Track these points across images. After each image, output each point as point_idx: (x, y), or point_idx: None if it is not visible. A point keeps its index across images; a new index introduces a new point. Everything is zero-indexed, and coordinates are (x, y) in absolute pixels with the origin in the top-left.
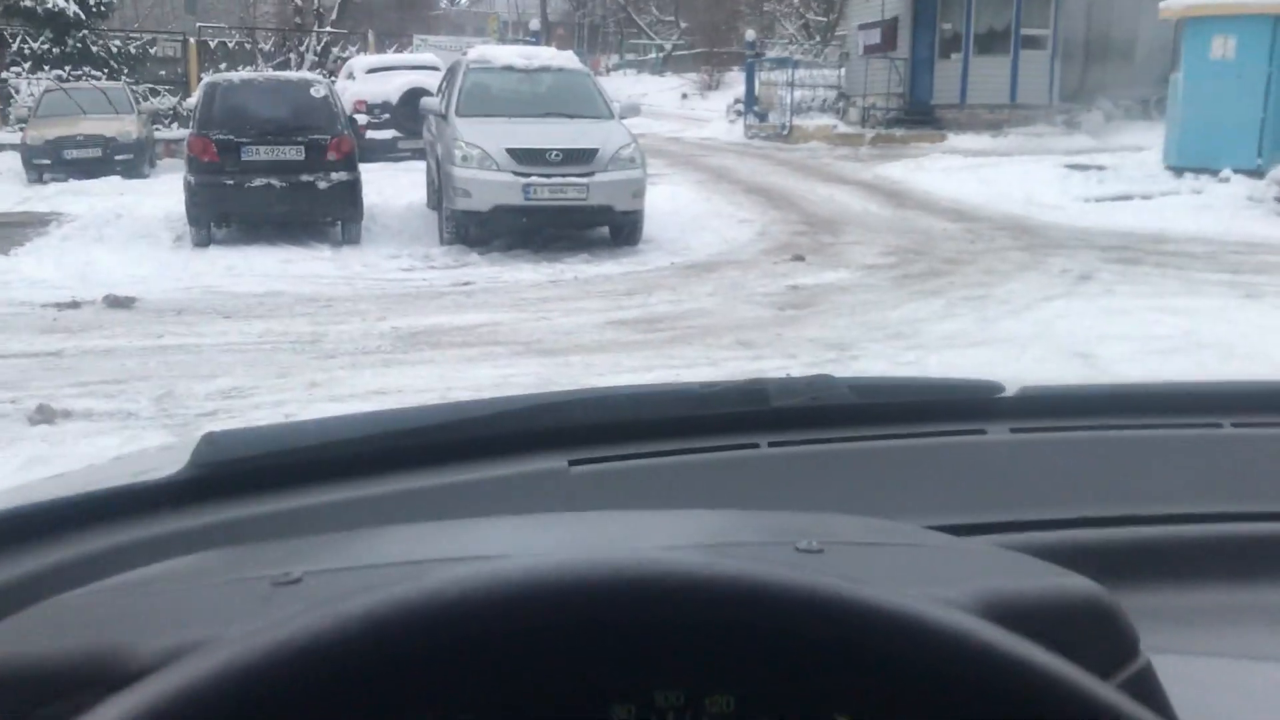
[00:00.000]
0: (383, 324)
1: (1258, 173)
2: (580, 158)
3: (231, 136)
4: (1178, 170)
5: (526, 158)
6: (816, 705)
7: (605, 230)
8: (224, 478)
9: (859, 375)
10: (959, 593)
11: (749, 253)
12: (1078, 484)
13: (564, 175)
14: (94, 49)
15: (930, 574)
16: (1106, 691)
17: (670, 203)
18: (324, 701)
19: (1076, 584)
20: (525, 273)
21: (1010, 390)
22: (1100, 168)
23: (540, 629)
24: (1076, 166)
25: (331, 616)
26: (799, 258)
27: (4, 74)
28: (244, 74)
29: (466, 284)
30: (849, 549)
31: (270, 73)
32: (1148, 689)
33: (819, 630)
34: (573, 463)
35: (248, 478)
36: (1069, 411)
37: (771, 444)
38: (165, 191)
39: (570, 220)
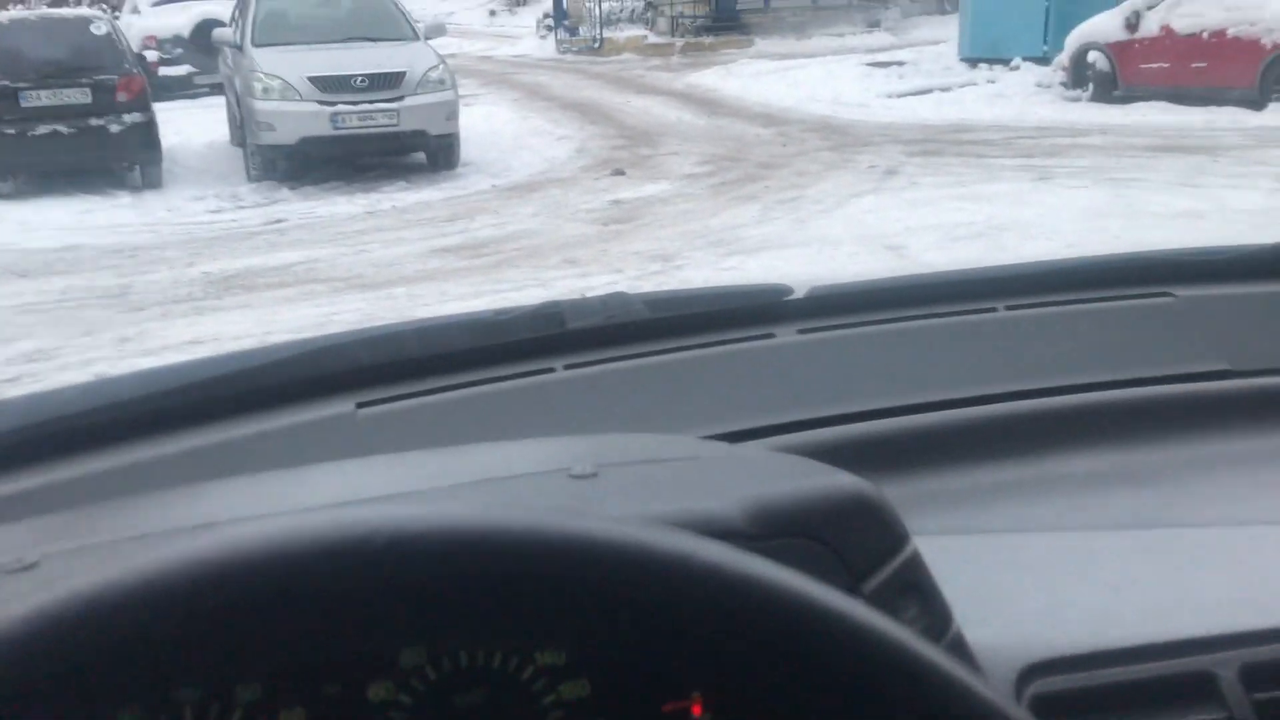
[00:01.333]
0: (192, 270)
1: (1045, 60)
2: (387, 82)
3: (7, 82)
4: (972, 61)
5: (331, 85)
6: (561, 643)
7: (422, 156)
8: None
9: (665, 288)
10: (727, 502)
11: (569, 170)
12: (862, 378)
13: (372, 101)
14: None
15: (700, 487)
16: (837, 599)
17: (486, 123)
18: (27, 694)
19: (842, 481)
20: (341, 205)
21: (799, 292)
22: (900, 64)
23: (243, 603)
24: (878, 64)
25: (8, 614)
26: (619, 172)
27: None
28: (14, 13)
29: (279, 221)
30: (622, 469)
31: (44, 10)
32: (915, 577)
33: (533, 568)
34: (360, 405)
35: (7, 452)
36: (854, 308)
37: (567, 366)
38: None
39: (383, 147)
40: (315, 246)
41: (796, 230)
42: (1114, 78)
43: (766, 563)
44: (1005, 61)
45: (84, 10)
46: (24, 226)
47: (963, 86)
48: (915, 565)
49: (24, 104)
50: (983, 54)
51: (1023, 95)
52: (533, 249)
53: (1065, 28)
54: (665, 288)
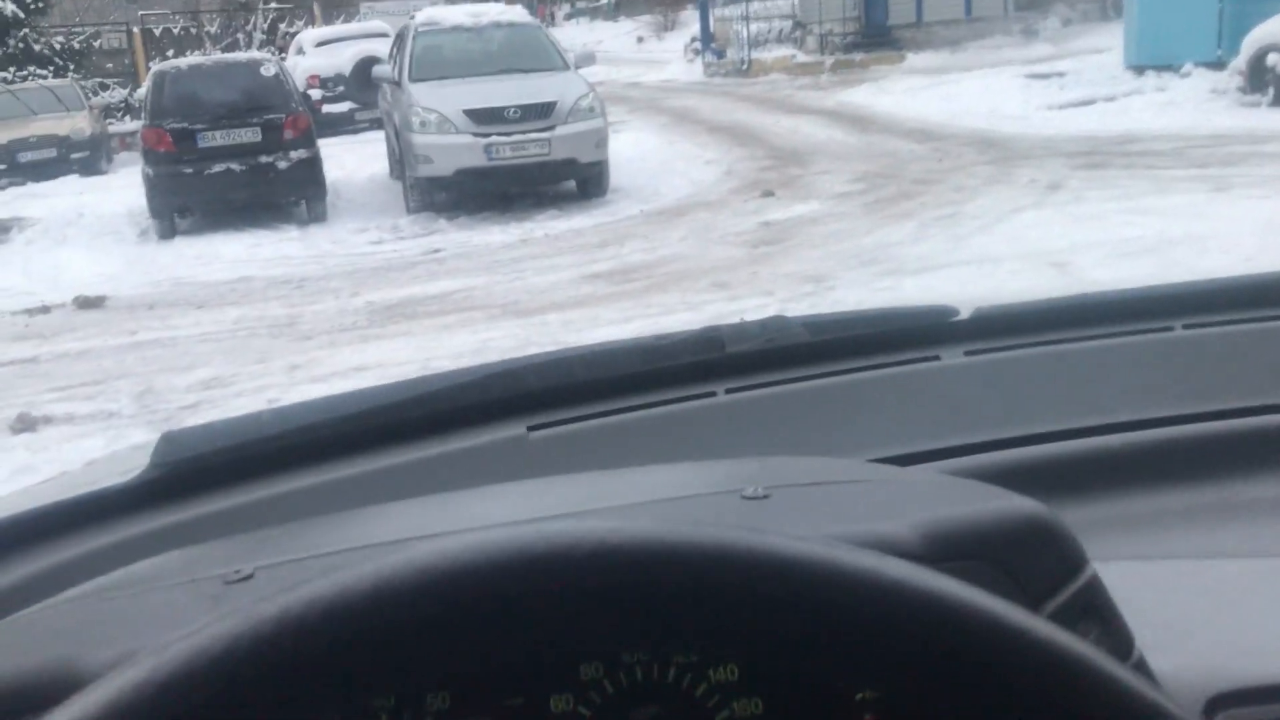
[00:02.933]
0: (357, 299)
1: (1219, 64)
2: (539, 112)
3: (185, 124)
4: (1139, 69)
5: (485, 117)
6: (751, 655)
7: (572, 184)
8: (184, 475)
9: (818, 311)
10: (901, 525)
11: (718, 193)
12: (1032, 400)
13: (524, 132)
14: (36, 47)
15: (873, 509)
16: (1027, 619)
17: (635, 149)
18: (250, 702)
19: (1017, 505)
20: (495, 234)
21: (964, 313)
22: (1061, 74)
23: (462, 607)
24: (1037, 75)
25: (244, 618)
26: (768, 193)
27: None
28: (192, 59)
29: (437, 251)
30: (794, 492)
31: (218, 55)
32: (1095, 601)
33: (726, 581)
34: (531, 428)
35: (208, 473)
36: (1022, 329)
37: (729, 390)
38: (125, 186)
39: (535, 177)
40: (472, 275)
41: (954, 248)
42: None
43: (951, 580)
44: (1175, 68)
45: (254, 54)
46: (199, 260)
47: (1129, 95)
48: (1095, 589)
49: (200, 144)
50: (1150, 61)
51: (1195, 103)
52: (682, 273)
53: (1241, 30)
54: (818, 309)
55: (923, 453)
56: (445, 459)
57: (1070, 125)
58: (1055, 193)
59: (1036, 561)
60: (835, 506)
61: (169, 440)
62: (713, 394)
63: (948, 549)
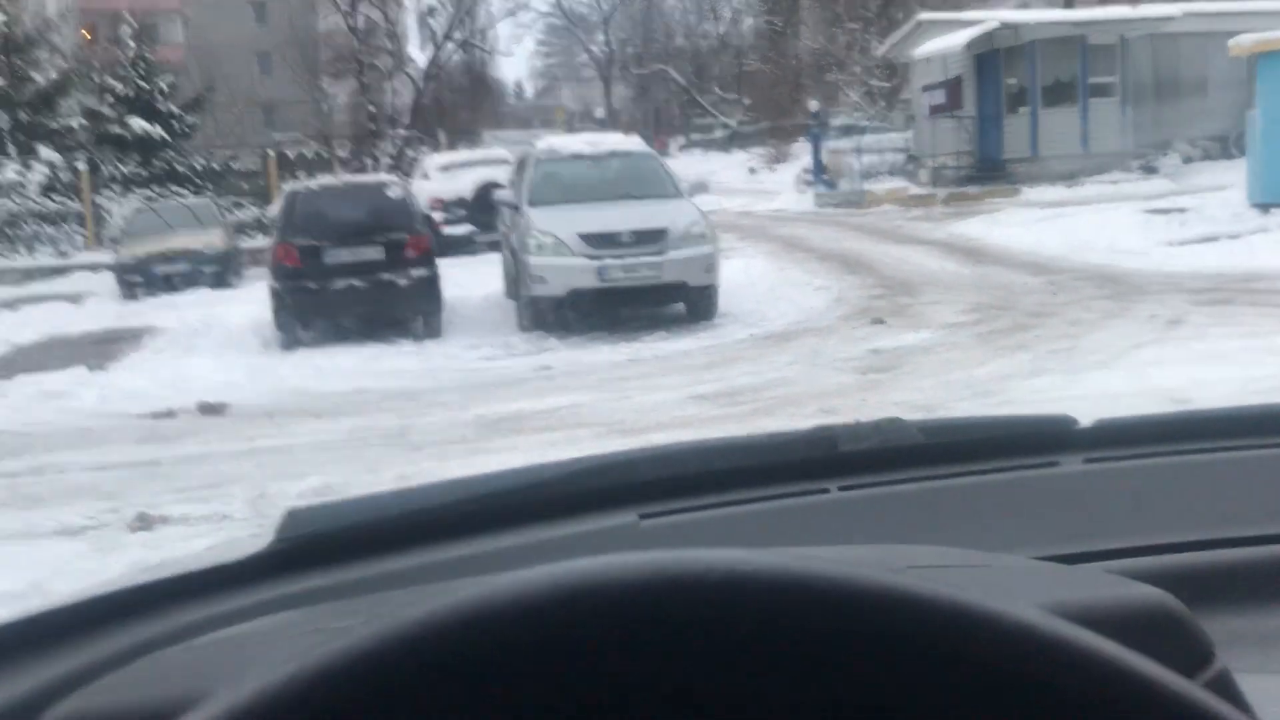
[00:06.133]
0: (467, 413)
1: None
2: (651, 237)
3: (313, 241)
4: (1264, 206)
5: (599, 241)
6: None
7: (682, 307)
8: (308, 550)
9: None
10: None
11: (827, 319)
12: (1153, 511)
13: (636, 255)
14: (179, 168)
15: (998, 592)
16: (1187, 686)
17: (744, 275)
18: (391, 705)
19: (1144, 591)
20: (604, 353)
21: (1085, 423)
22: (1182, 210)
23: (587, 634)
24: (1157, 211)
25: (376, 631)
26: (878, 321)
27: (96, 197)
28: (322, 180)
29: (547, 368)
30: (919, 573)
31: (347, 177)
32: (1225, 693)
33: (875, 622)
34: (643, 516)
35: (331, 549)
36: (1142, 440)
37: (841, 488)
38: (251, 299)
39: (645, 299)
40: (580, 392)
41: (1071, 382)
42: None
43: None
44: None
45: (382, 176)
46: (318, 371)
47: (1253, 233)
48: (1225, 682)
49: (326, 260)
50: (1276, 198)
51: None
52: (789, 397)
53: None
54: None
55: (1039, 559)
56: (557, 543)
57: (1192, 261)
58: (1177, 328)
59: (1163, 649)
60: (964, 586)
61: (294, 516)
62: (825, 491)
63: None
